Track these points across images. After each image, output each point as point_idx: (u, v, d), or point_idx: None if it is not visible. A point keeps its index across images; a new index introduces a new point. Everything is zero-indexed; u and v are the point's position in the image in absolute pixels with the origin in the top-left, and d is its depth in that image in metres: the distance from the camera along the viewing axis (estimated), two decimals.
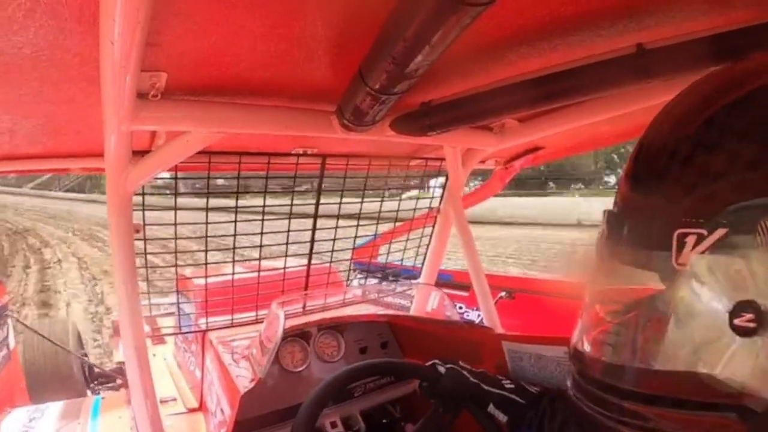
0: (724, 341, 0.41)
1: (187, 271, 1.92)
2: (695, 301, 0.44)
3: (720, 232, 0.41)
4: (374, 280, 2.44)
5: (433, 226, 1.83)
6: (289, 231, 1.57)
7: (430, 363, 1.13)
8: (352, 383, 1.30)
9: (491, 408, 1.03)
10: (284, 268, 1.63)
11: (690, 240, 0.43)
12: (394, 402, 1.54)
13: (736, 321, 0.40)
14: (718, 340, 0.42)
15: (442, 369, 1.10)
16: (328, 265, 1.77)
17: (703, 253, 0.42)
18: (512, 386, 1.06)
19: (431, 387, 1.09)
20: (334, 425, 1.36)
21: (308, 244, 1.67)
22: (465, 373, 1.08)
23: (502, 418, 1.02)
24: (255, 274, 1.60)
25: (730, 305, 0.41)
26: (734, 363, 0.41)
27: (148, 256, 1.34)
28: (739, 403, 0.41)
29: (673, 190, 0.47)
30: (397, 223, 1.90)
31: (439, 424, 1.08)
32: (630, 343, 0.52)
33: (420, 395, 1.13)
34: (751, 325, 0.40)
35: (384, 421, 1.52)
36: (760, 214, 0.40)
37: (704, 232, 0.42)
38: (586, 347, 0.55)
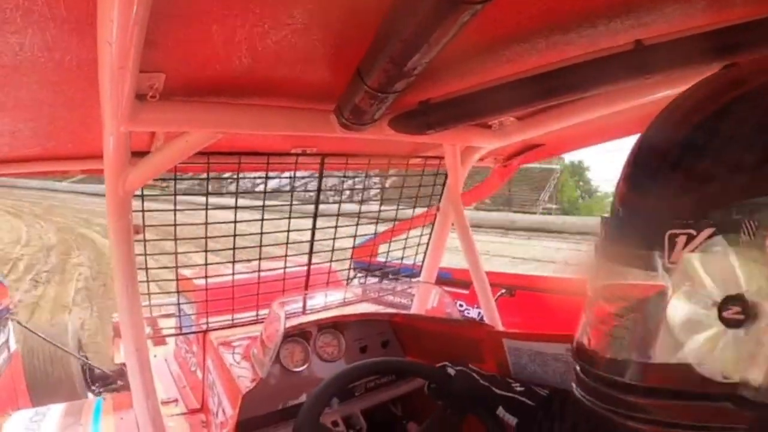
0: (714, 333, 0.44)
1: (188, 272, 1.92)
2: (686, 297, 0.46)
3: (708, 232, 0.43)
4: (374, 279, 2.44)
5: (433, 224, 1.83)
6: (288, 231, 1.57)
7: (440, 365, 1.12)
8: (356, 381, 1.30)
9: (500, 411, 1.03)
10: (284, 268, 1.63)
11: (680, 240, 0.45)
12: (396, 401, 1.54)
13: (725, 314, 0.43)
14: (709, 332, 0.44)
15: (452, 371, 1.10)
16: (328, 265, 1.77)
17: (692, 252, 0.44)
18: (522, 389, 1.06)
19: (440, 388, 1.09)
20: (335, 424, 1.36)
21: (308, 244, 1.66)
22: (475, 375, 1.08)
23: (511, 420, 1.02)
24: (255, 275, 1.59)
25: (718, 299, 0.43)
26: (724, 353, 0.43)
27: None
28: (732, 392, 0.43)
29: (664, 192, 0.49)
30: (397, 221, 1.90)
31: (445, 425, 1.08)
32: (627, 340, 0.54)
33: (426, 395, 1.13)
34: (739, 317, 0.42)
35: (385, 419, 1.52)
36: (745, 214, 0.42)
37: (693, 232, 0.44)
38: (587, 345, 0.57)
